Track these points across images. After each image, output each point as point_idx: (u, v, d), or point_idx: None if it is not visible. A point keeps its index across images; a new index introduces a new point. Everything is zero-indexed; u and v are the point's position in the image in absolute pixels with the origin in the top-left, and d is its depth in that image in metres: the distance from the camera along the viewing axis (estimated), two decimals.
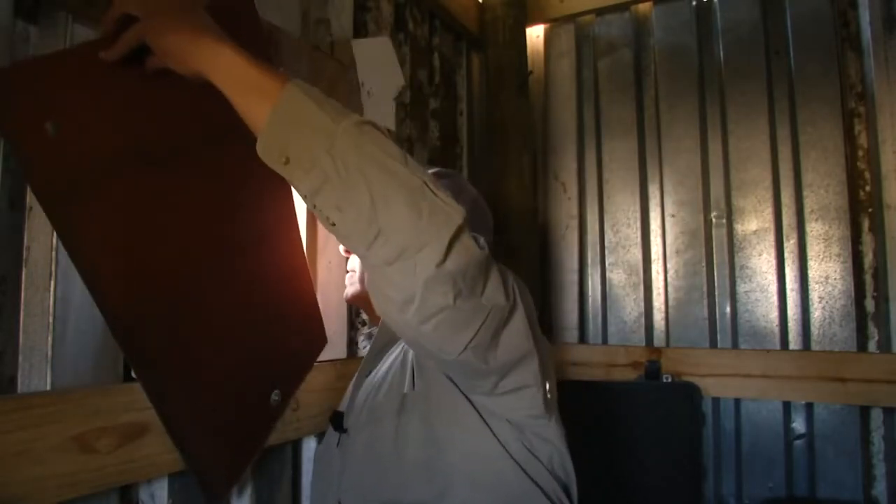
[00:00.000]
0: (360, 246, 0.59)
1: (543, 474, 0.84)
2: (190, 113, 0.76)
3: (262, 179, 0.87)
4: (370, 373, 0.99)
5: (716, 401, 1.63)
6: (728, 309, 1.66)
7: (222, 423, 0.84)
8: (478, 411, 0.83)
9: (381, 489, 0.86)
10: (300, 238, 1.03)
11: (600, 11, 1.88)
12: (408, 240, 0.57)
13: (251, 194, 0.89)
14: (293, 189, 0.63)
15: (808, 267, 1.57)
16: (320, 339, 1.09)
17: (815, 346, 1.54)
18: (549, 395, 0.83)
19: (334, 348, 1.19)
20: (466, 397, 0.83)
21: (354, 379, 1.02)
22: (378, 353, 1.00)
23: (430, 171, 0.85)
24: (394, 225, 0.57)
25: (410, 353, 0.92)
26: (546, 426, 0.84)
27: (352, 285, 1.07)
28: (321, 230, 1.23)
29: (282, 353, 0.97)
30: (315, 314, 1.07)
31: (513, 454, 0.83)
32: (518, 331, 0.72)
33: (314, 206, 0.60)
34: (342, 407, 1.02)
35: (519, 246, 1.74)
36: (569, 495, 0.87)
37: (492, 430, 0.83)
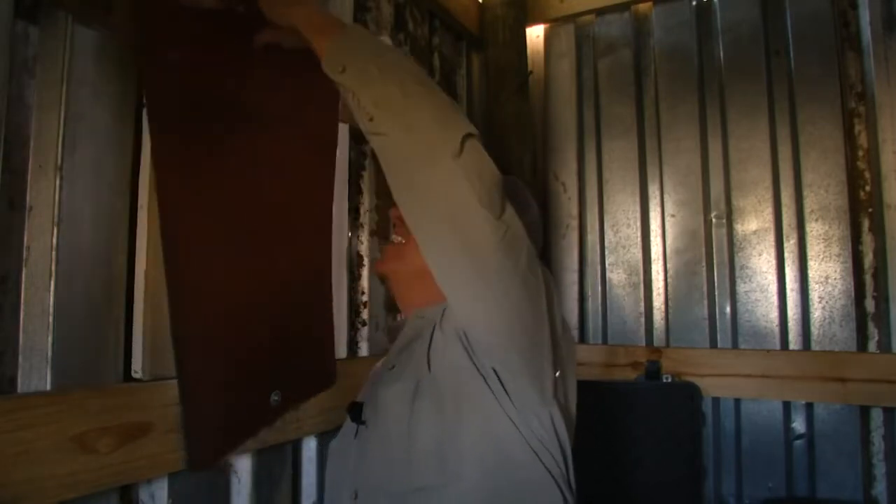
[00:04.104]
0: (389, 135, 0.74)
1: (553, 463, 0.84)
2: (268, 96, 0.94)
3: (306, 184, 1.04)
4: (393, 367, 0.99)
5: (716, 401, 1.63)
6: (728, 309, 1.66)
7: (229, 397, 0.87)
8: (493, 394, 0.84)
9: (395, 476, 0.86)
10: (329, 270, 1.10)
11: (600, 11, 1.88)
12: (430, 134, 0.72)
13: (296, 199, 1.02)
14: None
15: (808, 267, 1.57)
16: (328, 377, 1.10)
17: (815, 346, 1.54)
18: (556, 375, 0.84)
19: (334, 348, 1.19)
20: (484, 379, 0.84)
21: (376, 371, 1.03)
22: (402, 350, 1.00)
23: (506, 177, 0.95)
24: (420, 121, 0.72)
25: (428, 342, 0.92)
26: (552, 414, 0.85)
27: (393, 259, 1.03)
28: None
29: (287, 369, 1.00)
30: (329, 350, 1.11)
31: (527, 439, 0.83)
32: (534, 263, 0.82)
33: (358, 103, 0.74)
34: (361, 397, 1.02)
35: None
36: (570, 489, 0.87)
37: (507, 414, 0.83)
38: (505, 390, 0.83)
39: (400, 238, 1.04)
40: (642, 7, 1.85)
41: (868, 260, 1.52)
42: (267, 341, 0.95)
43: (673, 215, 1.75)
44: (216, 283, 0.85)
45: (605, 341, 1.81)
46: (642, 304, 1.76)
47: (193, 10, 0.82)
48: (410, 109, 0.72)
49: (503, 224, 0.75)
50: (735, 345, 1.64)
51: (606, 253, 1.84)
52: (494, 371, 0.84)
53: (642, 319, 1.76)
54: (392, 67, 0.75)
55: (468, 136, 0.72)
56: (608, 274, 1.83)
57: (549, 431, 0.85)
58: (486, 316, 0.81)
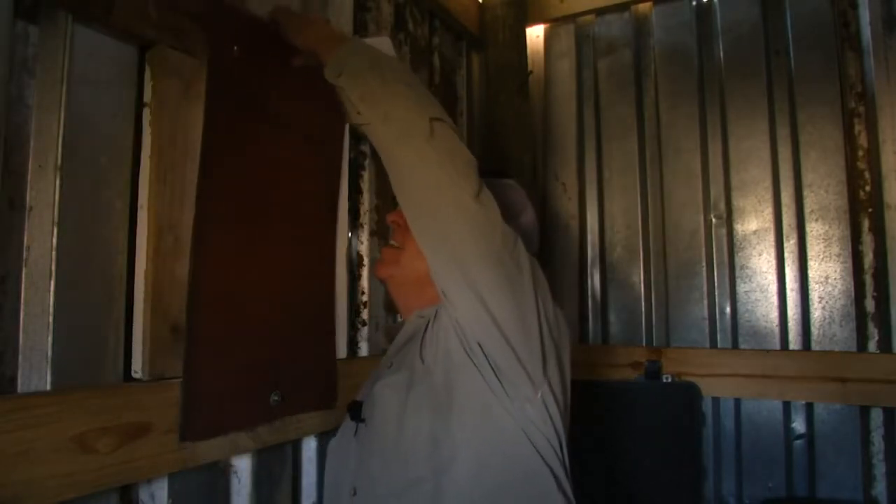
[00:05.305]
0: (372, 123, 0.87)
1: (549, 450, 0.84)
2: (292, 102, 1.05)
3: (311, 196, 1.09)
4: (391, 365, 0.99)
5: (716, 401, 1.63)
6: (728, 309, 1.66)
7: (231, 384, 0.90)
8: (486, 382, 0.84)
9: (392, 470, 0.86)
10: (333, 276, 1.14)
11: (600, 11, 1.88)
12: (403, 121, 0.84)
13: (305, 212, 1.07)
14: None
15: (808, 267, 1.57)
16: (328, 394, 1.11)
17: (815, 346, 1.54)
18: (547, 361, 0.85)
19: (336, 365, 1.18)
20: (476, 368, 0.84)
21: (376, 371, 1.04)
22: (400, 348, 1.01)
23: (504, 180, 1.06)
24: (395, 110, 0.85)
25: (422, 336, 0.93)
26: (545, 400, 0.85)
27: (391, 264, 1.04)
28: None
29: (288, 371, 1.01)
30: (330, 364, 1.12)
31: (522, 426, 0.83)
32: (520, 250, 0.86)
33: (349, 100, 0.91)
34: (361, 397, 1.02)
35: None
36: (566, 475, 0.87)
37: (500, 402, 0.83)
38: (497, 378, 0.84)
39: (396, 243, 1.04)
40: (642, 7, 1.85)
41: (868, 260, 1.52)
42: (270, 339, 0.98)
43: (673, 215, 1.75)
44: (232, 274, 0.91)
45: (605, 341, 1.81)
46: (642, 304, 1.76)
47: (248, 18, 0.97)
48: (388, 101, 0.85)
49: (477, 203, 0.82)
50: (735, 345, 1.64)
51: (606, 253, 1.84)
52: (486, 358, 0.84)
53: (642, 319, 1.76)
54: (378, 69, 0.88)
55: (437, 119, 0.83)
56: (608, 274, 1.83)
57: (544, 417, 0.85)
58: (467, 295, 0.83)
